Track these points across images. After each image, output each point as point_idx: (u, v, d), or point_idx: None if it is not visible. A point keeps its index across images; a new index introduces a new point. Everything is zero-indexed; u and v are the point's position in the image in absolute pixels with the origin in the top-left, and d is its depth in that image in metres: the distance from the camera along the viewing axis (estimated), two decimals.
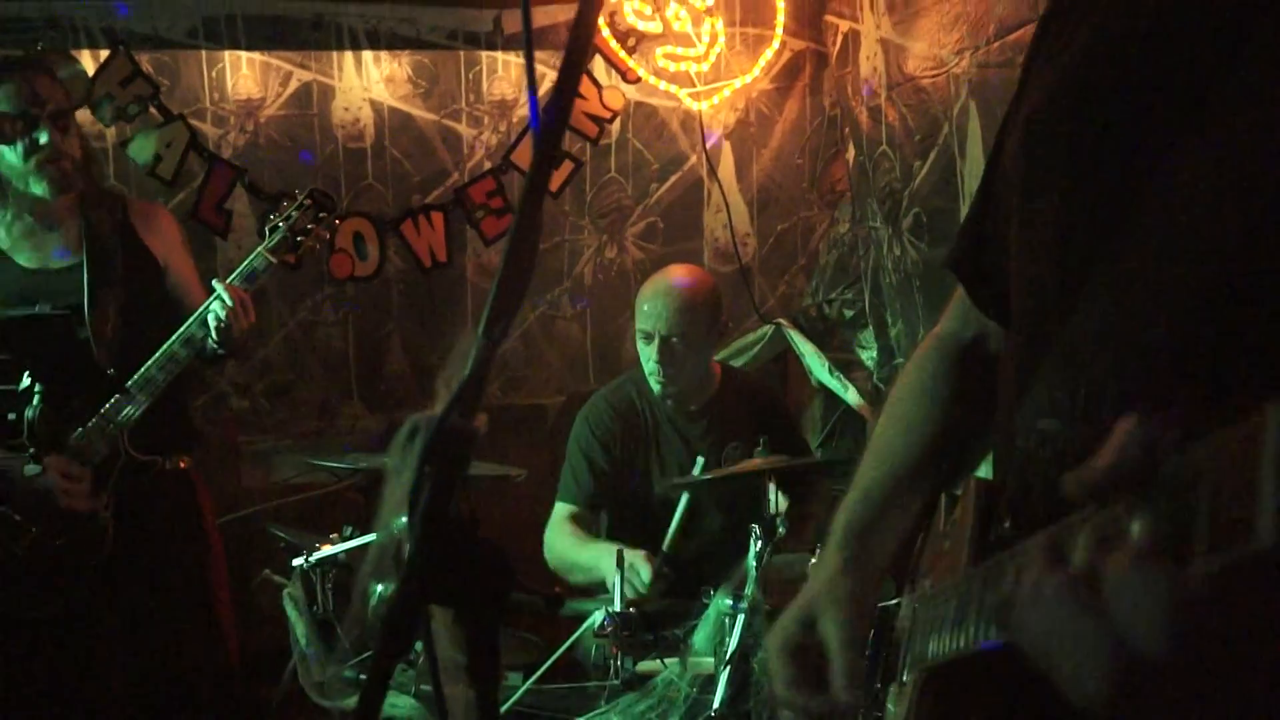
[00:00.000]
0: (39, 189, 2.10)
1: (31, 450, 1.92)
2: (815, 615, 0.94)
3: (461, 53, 3.46)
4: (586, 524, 2.58)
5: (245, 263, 2.22)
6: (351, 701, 2.02)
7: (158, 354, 2.13)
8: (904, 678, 0.90)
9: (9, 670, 2.12)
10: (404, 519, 0.76)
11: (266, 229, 2.22)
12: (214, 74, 3.39)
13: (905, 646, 0.92)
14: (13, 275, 2.17)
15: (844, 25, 3.34)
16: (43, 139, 2.07)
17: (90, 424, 2.11)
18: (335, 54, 3.42)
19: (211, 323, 2.10)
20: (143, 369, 2.12)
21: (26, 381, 1.91)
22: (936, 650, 0.80)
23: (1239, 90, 0.68)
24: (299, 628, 2.09)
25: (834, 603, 0.94)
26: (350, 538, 2.19)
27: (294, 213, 2.21)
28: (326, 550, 2.16)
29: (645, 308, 2.46)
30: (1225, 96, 0.69)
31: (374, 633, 0.80)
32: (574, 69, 0.79)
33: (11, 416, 1.89)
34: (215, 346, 2.15)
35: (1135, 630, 0.49)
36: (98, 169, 2.34)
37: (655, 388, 2.49)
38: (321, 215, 2.22)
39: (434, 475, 0.78)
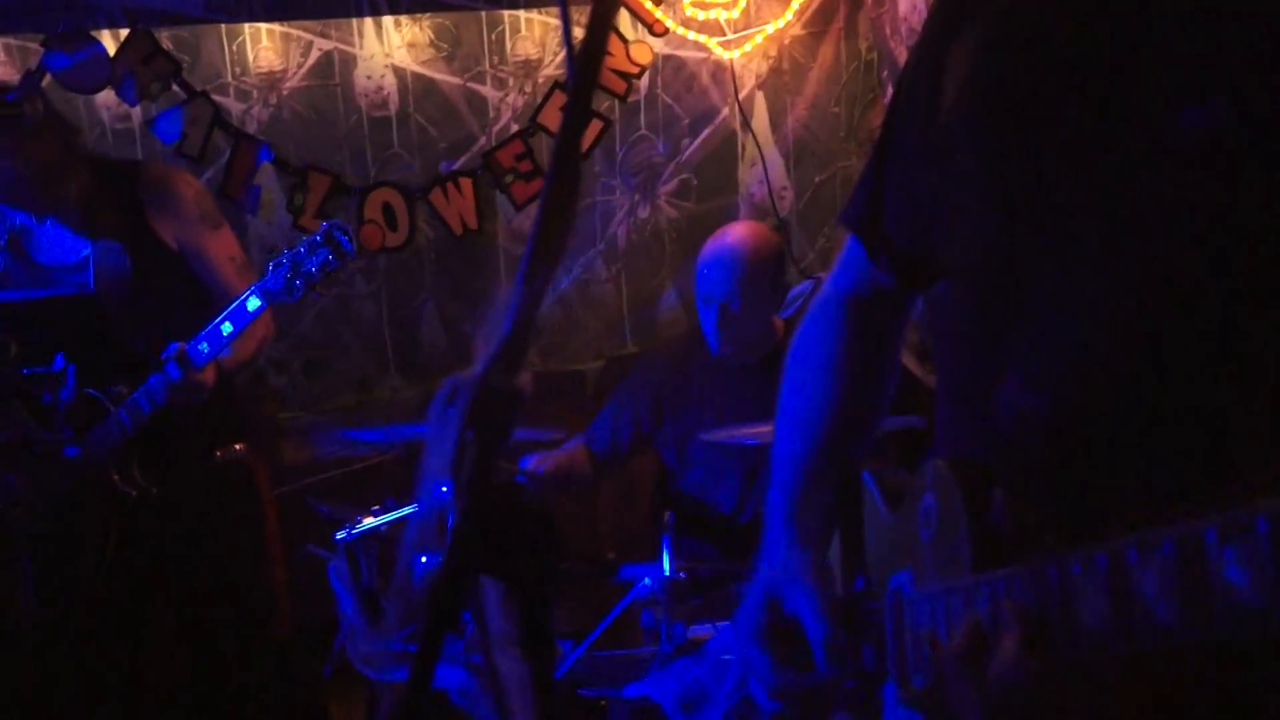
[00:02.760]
0: None
1: (69, 434, 1.91)
2: (779, 594, 0.92)
3: (483, 13, 3.38)
4: (593, 463, 2.54)
5: (235, 303, 2.03)
6: (399, 674, 2.00)
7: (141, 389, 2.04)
8: (910, 677, 0.85)
9: (63, 650, 2.13)
10: (445, 486, 0.71)
11: (270, 265, 2.02)
12: (234, 47, 3.35)
13: (906, 643, 0.86)
14: (30, 270, 2.13)
15: None
16: None
17: (90, 434, 2.05)
18: (355, 21, 3.35)
19: (159, 393, 2.00)
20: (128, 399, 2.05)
21: (59, 363, 1.89)
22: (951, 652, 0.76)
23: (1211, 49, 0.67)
24: (345, 602, 2.07)
25: (795, 577, 0.92)
26: (391, 510, 2.17)
27: (302, 251, 2.00)
28: (369, 523, 2.13)
29: (706, 272, 2.36)
30: (1197, 55, 0.67)
31: (420, 605, 0.75)
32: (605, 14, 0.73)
33: (47, 399, 1.87)
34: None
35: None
36: (82, 140, 2.16)
37: (714, 347, 2.42)
38: (328, 260, 1.99)
39: (477, 439, 0.72)
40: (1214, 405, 0.68)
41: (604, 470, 2.56)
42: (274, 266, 2.02)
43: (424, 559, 1.83)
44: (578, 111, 0.75)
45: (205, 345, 1.99)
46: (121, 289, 2.07)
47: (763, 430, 2.00)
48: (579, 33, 0.73)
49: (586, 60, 0.73)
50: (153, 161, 2.30)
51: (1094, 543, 0.59)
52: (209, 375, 2.05)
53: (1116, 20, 0.73)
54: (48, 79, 3.13)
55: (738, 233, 2.41)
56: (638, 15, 3.32)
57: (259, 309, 1.99)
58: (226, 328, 2.00)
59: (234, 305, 2.02)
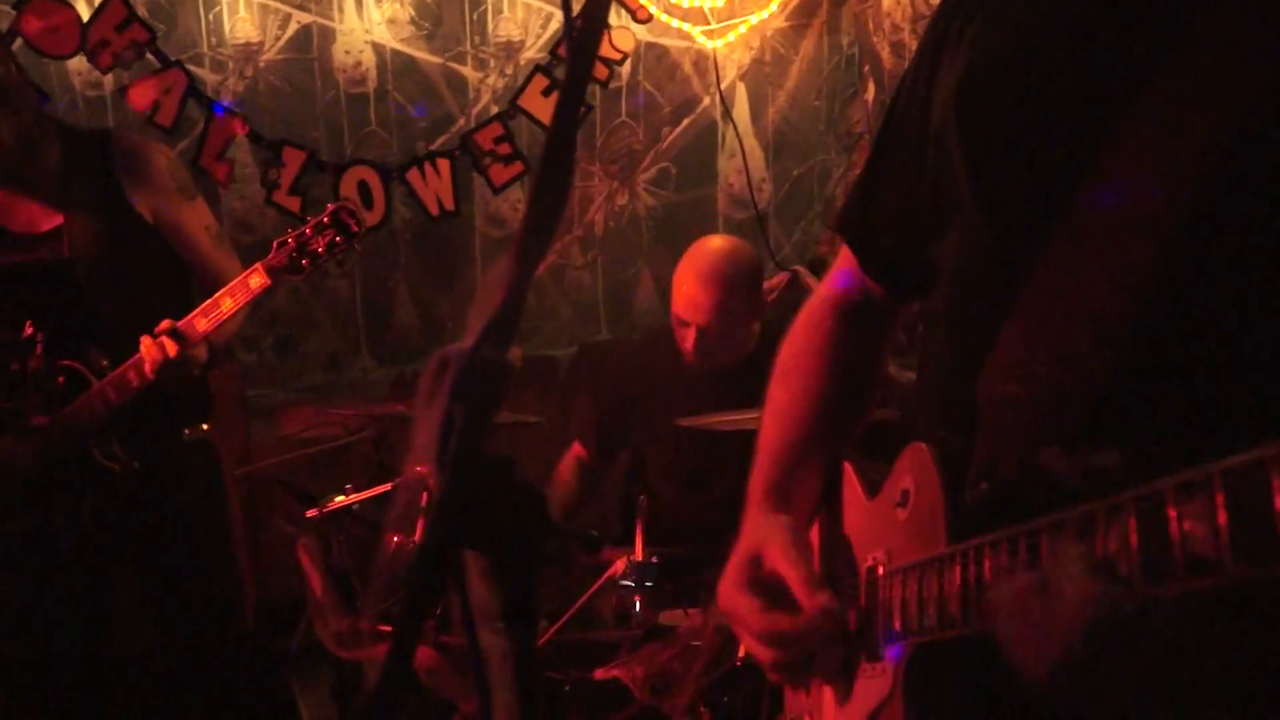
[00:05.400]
0: None
1: (38, 402, 1.87)
2: (758, 553, 0.95)
3: None
4: (594, 464, 2.57)
5: (238, 279, 2.02)
6: (368, 653, 1.99)
7: (125, 365, 2.00)
8: (880, 652, 0.88)
9: (26, 637, 2.10)
10: (423, 468, 0.71)
11: (275, 243, 2.02)
12: (211, 17, 3.29)
13: (878, 618, 0.89)
14: (4, 238, 2.07)
15: None
16: None
17: (68, 408, 2.00)
18: None
19: (146, 367, 1.96)
20: (112, 374, 2.01)
21: (28, 331, 1.84)
22: (924, 623, 0.80)
23: (1190, 50, 0.69)
24: (314, 579, 2.06)
25: (772, 535, 0.95)
26: (362, 488, 2.15)
27: (307, 232, 2.01)
28: (340, 500, 2.12)
29: (685, 293, 2.30)
30: (1178, 56, 0.69)
31: (396, 585, 0.75)
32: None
33: (15, 367, 1.83)
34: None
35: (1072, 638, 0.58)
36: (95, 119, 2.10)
37: (689, 358, 2.41)
38: (338, 240, 2.00)
39: (467, 411, 0.72)
40: (1192, 396, 0.70)
41: (596, 469, 2.58)
42: (279, 245, 2.01)
43: (398, 539, 1.82)
44: (574, 87, 0.75)
45: (203, 320, 1.97)
46: (97, 259, 2.02)
47: (741, 417, 2.01)
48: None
49: (586, 35, 0.73)
50: (124, 131, 2.23)
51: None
52: (202, 351, 2.03)
53: (1106, 25, 0.75)
54: (19, 43, 3.07)
55: (715, 255, 2.33)
56: (621, 1, 3.31)
57: (263, 286, 1.98)
58: (227, 303, 1.98)
59: (236, 281, 1.99)
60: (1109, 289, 0.71)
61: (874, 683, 0.89)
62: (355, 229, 2.01)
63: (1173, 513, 0.55)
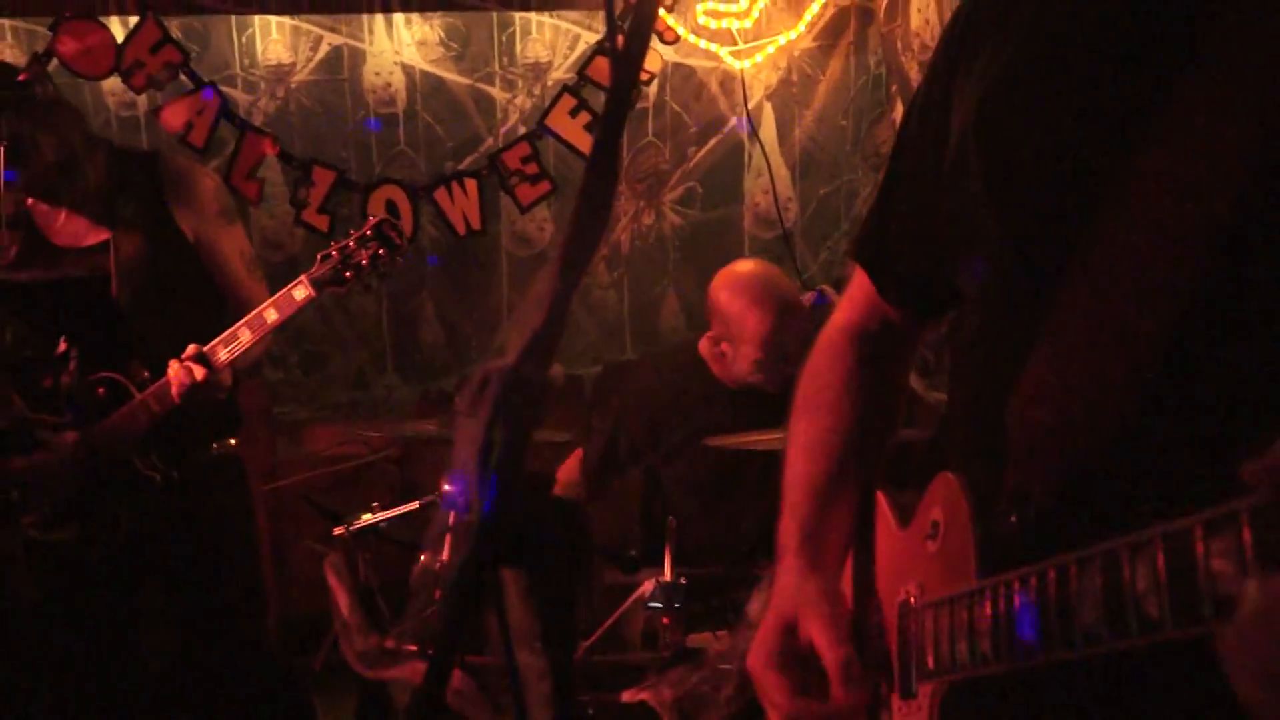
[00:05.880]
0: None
1: (70, 417, 1.88)
2: (794, 622, 0.92)
3: (494, 14, 3.38)
4: (589, 485, 2.55)
5: (284, 291, 2.03)
6: (393, 672, 1.98)
7: (156, 385, 2.02)
8: (913, 689, 0.86)
9: (51, 646, 2.10)
10: (452, 486, 0.70)
11: (319, 256, 2.04)
12: (244, 39, 3.34)
13: (911, 655, 0.87)
14: (46, 251, 2.11)
15: None
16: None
17: (108, 421, 2.02)
18: (365, 17, 3.35)
19: (173, 390, 1.97)
20: (148, 392, 2.03)
21: (62, 347, 1.86)
22: (956, 660, 0.77)
23: (1213, 65, 0.68)
24: (340, 597, 2.05)
25: (811, 603, 0.91)
26: (390, 507, 2.15)
27: (350, 245, 2.02)
28: (367, 519, 2.11)
29: (770, 340, 2.28)
30: (1199, 71, 0.68)
31: (427, 605, 0.74)
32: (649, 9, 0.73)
33: (48, 383, 1.84)
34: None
35: None
36: (85, 128, 2.12)
37: (756, 382, 2.40)
38: (381, 253, 2.01)
39: (507, 427, 0.71)
40: (1232, 421, 0.68)
41: (598, 485, 2.56)
42: (322, 258, 2.02)
43: (426, 558, 1.81)
44: (619, 102, 0.74)
45: (224, 349, 1.98)
46: (141, 276, 2.04)
47: (769, 438, 2.00)
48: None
49: (630, 47, 0.73)
50: (172, 153, 2.28)
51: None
52: (227, 376, 2.05)
53: (1127, 41, 0.74)
54: (54, 64, 3.12)
55: (784, 284, 2.37)
56: None
57: (309, 298, 1.99)
58: (271, 315, 1.99)
59: (280, 294, 2.00)
60: (1140, 310, 0.70)
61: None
62: (398, 241, 2.02)
63: (1200, 549, 0.54)
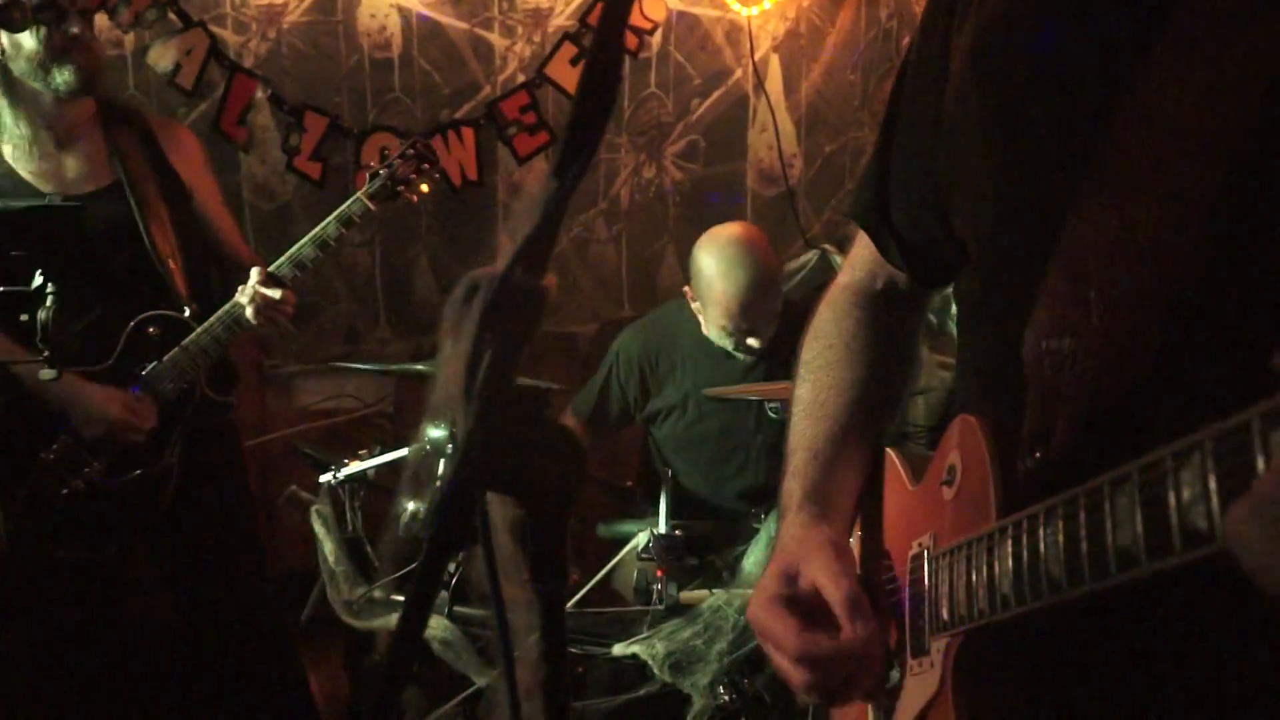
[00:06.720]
0: (61, 78, 1.99)
1: (46, 354, 1.82)
2: (797, 568, 0.90)
3: None
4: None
5: (344, 207, 2.16)
6: (381, 621, 1.94)
7: (220, 314, 2.09)
8: (926, 645, 0.83)
9: (51, 605, 2.09)
10: (437, 430, 0.64)
11: (368, 175, 2.21)
12: None
13: (924, 609, 0.84)
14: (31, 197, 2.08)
15: None
16: (73, 29, 1.98)
17: (167, 357, 2.06)
18: None
19: (250, 314, 2.06)
20: (209, 324, 2.09)
21: (39, 280, 1.80)
22: (974, 608, 0.74)
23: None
24: (327, 546, 2.01)
25: (814, 549, 0.90)
26: (377, 455, 2.10)
27: (396, 162, 2.20)
28: (355, 466, 2.07)
29: (734, 310, 2.28)
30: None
31: (408, 552, 0.68)
32: None
33: (24, 318, 1.79)
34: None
35: None
36: (115, 80, 2.27)
37: (729, 349, 2.39)
38: (425, 166, 2.21)
39: (496, 340, 0.65)
40: (1240, 340, 0.65)
41: (590, 441, 2.54)
42: (371, 177, 2.18)
43: (411, 505, 1.77)
44: None
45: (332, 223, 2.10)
46: (160, 218, 2.10)
47: (770, 388, 1.95)
48: None
49: None
50: (150, 113, 2.41)
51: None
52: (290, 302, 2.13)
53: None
54: None
55: (762, 258, 2.32)
56: None
57: (362, 210, 2.13)
58: (331, 228, 2.10)
59: (339, 212, 2.13)
60: (1160, 223, 0.66)
61: (921, 679, 0.83)
62: (433, 156, 2.22)
63: (1258, 443, 0.49)
